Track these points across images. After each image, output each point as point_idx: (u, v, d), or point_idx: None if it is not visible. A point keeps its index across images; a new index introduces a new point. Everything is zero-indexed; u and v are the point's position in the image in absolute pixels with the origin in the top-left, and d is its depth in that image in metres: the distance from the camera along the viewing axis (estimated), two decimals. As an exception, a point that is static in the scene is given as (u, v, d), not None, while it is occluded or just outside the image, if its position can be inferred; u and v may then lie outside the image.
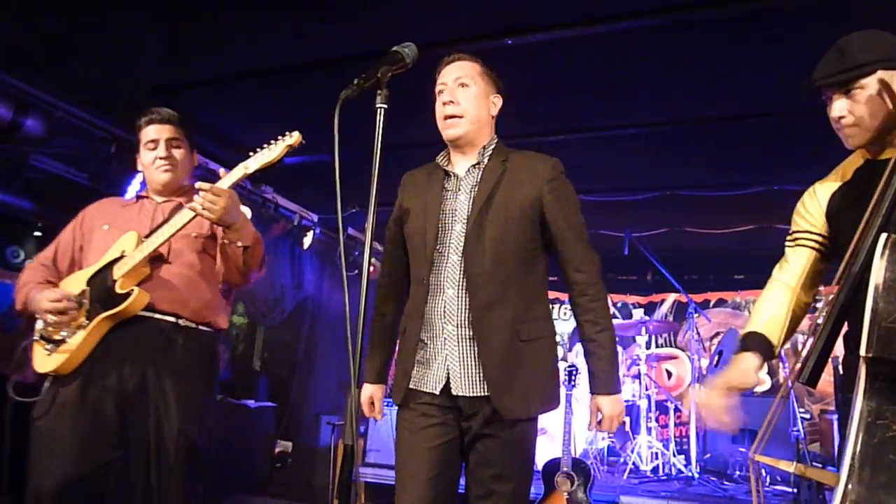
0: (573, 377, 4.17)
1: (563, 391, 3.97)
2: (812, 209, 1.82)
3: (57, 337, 2.22)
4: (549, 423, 4.98)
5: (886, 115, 1.61)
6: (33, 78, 3.99)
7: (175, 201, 2.44)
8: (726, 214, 5.87)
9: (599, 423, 1.99)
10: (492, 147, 2.07)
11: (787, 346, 6.60)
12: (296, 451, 6.06)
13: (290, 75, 3.99)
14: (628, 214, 6.04)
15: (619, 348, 5.50)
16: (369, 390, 2.15)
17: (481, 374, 1.92)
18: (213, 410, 2.41)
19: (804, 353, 1.50)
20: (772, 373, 6.42)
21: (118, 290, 2.22)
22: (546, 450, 4.63)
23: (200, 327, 2.33)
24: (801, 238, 1.84)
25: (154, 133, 2.40)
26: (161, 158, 2.39)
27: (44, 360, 2.22)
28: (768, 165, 4.91)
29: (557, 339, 2.09)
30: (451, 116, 2.01)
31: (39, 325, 2.28)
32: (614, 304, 6.56)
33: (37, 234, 5.45)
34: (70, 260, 2.45)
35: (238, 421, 5.10)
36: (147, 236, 2.29)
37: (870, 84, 1.62)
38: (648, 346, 6.20)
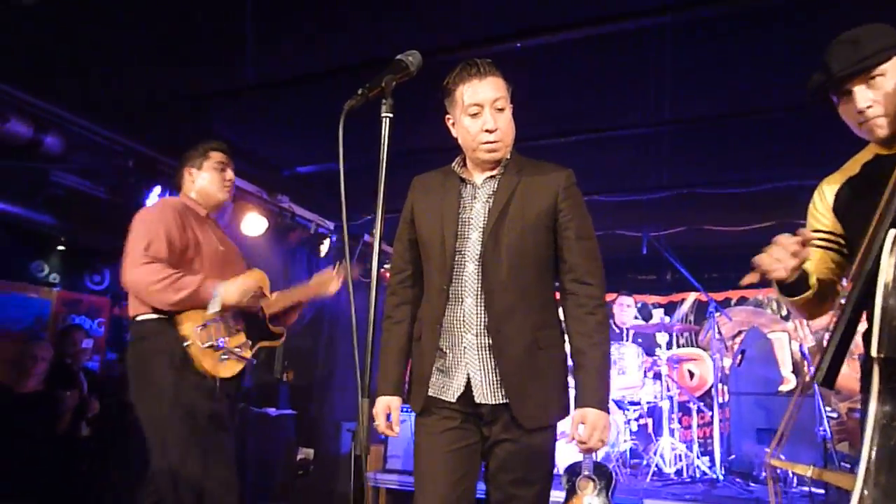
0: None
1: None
2: (820, 208, 1.81)
3: (229, 346, 2.60)
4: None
5: None
6: (52, 96, 4.06)
7: (211, 219, 2.94)
8: (746, 211, 5.79)
9: (580, 436, 1.86)
10: (508, 158, 2.05)
11: (813, 344, 6.50)
12: (318, 458, 6.07)
13: (302, 85, 4.02)
14: (646, 214, 5.98)
15: (640, 349, 5.45)
16: (386, 402, 2.04)
17: (501, 383, 1.90)
18: None
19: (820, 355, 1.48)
20: (797, 372, 6.31)
21: (270, 326, 2.87)
22: (568, 453, 4.58)
23: None
24: (814, 238, 1.81)
25: (226, 160, 2.91)
26: (230, 182, 2.92)
27: (216, 366, 2.57)
28: (787, 161, 4.83)
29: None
30: (495, 142, 1.96)
31: (197, 331, 2.52)
32: (635, 305, 6.48)
33: (60, 248, 5.53)
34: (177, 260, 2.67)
35: (259, 429, 5.13)
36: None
37: (889, 70, 1.59)
38: (669, 347, 6.12)
